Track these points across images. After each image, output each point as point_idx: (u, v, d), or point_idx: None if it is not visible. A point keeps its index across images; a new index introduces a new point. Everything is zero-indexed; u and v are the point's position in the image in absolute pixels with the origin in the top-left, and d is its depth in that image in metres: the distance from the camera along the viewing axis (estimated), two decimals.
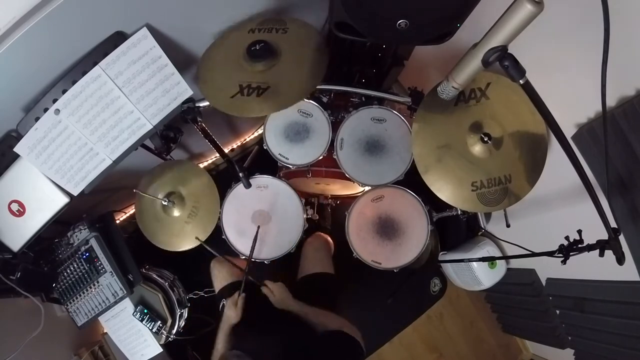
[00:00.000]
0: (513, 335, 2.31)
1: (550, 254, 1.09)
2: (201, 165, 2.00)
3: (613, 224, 0.89)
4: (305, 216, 1.41)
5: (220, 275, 1.43)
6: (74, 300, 1.43)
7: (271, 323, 1.19)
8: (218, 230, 1.40)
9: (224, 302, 1.29)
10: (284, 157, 1.39)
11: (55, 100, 1.00)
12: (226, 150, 1.87)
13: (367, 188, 1.44)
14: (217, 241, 1.39)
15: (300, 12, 1.26)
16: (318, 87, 1.22)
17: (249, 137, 2.09)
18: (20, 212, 1.14)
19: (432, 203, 1.34)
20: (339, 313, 1.21)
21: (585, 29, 0.95)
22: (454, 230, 2.04)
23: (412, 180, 1.29)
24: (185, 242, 1.38)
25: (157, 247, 1.40)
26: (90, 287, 1.41)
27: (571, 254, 1.03)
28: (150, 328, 1.53)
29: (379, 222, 1.41)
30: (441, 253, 2.06)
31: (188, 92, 1.11)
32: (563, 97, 1.11)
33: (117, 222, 1.77)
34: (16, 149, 1.03)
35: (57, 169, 1.07)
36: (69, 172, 1.08)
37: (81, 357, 1.65)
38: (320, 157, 1.37)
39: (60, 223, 1.25)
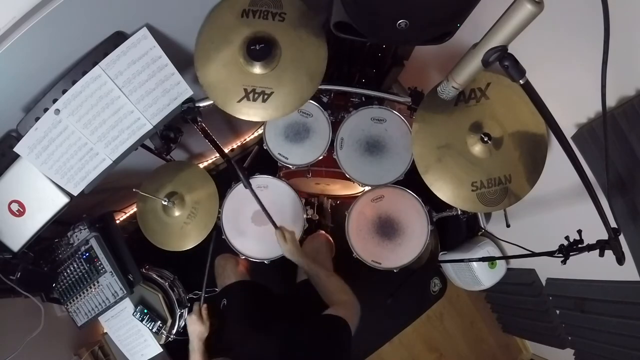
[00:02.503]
0: (513, 335, 2.31)
1: (550, 254, 1.09)
2: (201, 165, 2.00)
3: (613, 224, 0.89)
4: (305, 216, 1.41)
5: (224, 274, 1.41)
6: (74, 300, 1.43)
7: (270, 321, 1.18)
8: (218, 230, 1.40)
9: (224, 302, 1.29)
10: (284, 157, 1.39)
11: (55, 100, 1.00)
12: (226, 150, 1.87)
13: (367, 188, 1.44)
14: (217, 241, 1.39)
15: None
16: (318, 87, 1.21)
17: (249, 137, 2.09)
18: (20, 212, 1.14)
19: (432, 203, 1.34)
20: None
21: (585, 29, 0.94)
22: (454, 230, 2.04)
23: (412, 180, 1.29)
24: (185, 243, 1.38)
25: (157, 247, 1.40)
26: (90, 287, 1.41)
27: (571, 254, 1.03)
28: (150, 328, 1.53)
29: (379, 222, 1.41)
30: (441, 253, 2.06)
31: (188, 92, 1.11)
32: (563, 97, 1.11)
33: (117, 222, 1.77)
34: (16, 149, 1.03)
35: (57, 169, 1.07)
36: (69, 172, 1.08)
37: (81, 357, 1.65)
38: (320, 157, 1.37)
39: (60, 223, 1.25)
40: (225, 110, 1.11)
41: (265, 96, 1.08)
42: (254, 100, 1.08)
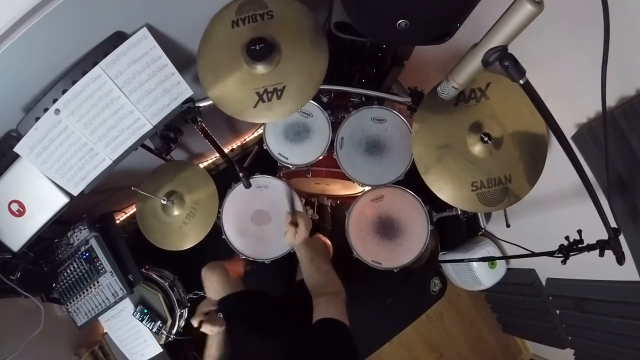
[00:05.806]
0: (513, 335, 2.31)
1: (550, 254, 1.09)
2: (201, 165, 2.00)
3: (613, 224, 0.89)
4: None
5: (212, 287, 1.36)
6: (74, 300, 1.43)
7: (270, 326, 1.18)
8: (218, 230, 1.40)
9: (220, 316, 1.27)
10: (283, 157, 1.39)
11: (55, 100, 1.00)
12: (226, 150, 1.87)
13: (367, 188, 1.44)
14: (217, 241, 1.39)
15: None
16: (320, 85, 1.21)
17: (249, 137, 2.09)
18: (20, 212, 1.14)
19: (432, 203, 1.34)
20: None
21: (585, 29, 0.95)
22: (454, 230, 2.04)
23: (412, 180, 1.30)
24: (184, 242, 1.38)
25: (157, 247, 1.41)
26: (90, 287, 1.41)
27: (571, 254, 1.03)
28: (150, 328, 1.53)
29: (379, 222, 1.41)
30: (441, 253, 2.06)
31: (188, 92, 1.11)
32: (563, 97, 1.11)
33: (117, 222, 1.77)
34: (16, 149, 1.03)
35: (57, 169, 1.07)
36: (69, 172, 1.08)
37: (81, 357, 1.65)
38: (320, 157, 1.37)
39: (60, 223, 1.25)
40: (245, 120, 1.09)
41: (279, 92, 1.07)
42: (269, 100, 1.07)
